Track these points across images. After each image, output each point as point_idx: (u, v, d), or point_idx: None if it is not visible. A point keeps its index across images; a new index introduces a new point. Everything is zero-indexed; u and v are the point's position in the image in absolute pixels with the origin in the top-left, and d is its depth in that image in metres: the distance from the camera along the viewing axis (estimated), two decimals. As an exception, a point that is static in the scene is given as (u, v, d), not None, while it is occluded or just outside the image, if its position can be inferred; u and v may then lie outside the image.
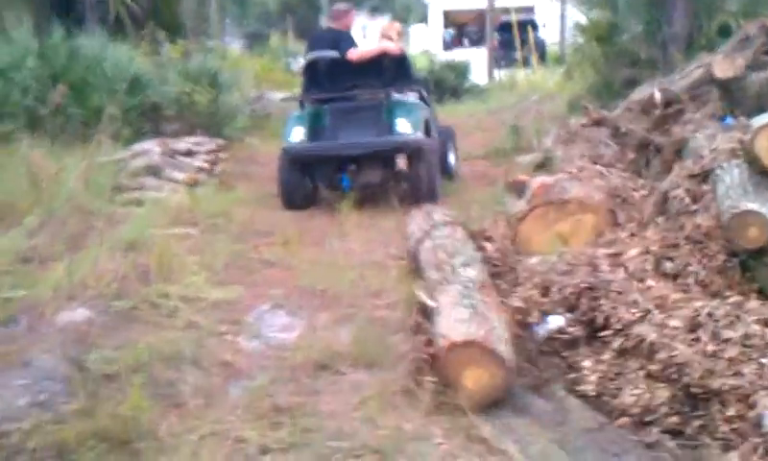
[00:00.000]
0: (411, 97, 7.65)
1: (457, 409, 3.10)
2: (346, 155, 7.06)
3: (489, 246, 4.53)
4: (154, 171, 7.73)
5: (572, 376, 3.46)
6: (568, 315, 3.70)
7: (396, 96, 7.39)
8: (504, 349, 3.25)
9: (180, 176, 7.69)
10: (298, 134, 7.20)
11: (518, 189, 5.37)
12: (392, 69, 7.39)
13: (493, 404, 3.15)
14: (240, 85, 14.15)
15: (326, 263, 5.24)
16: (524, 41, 25.54)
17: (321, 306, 4.52)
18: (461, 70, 18.88)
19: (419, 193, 6.88)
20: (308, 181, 7.40)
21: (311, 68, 7.53)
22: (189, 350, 3.72)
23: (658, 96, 7.05)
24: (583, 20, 12.48)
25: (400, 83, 7.46)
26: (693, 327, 3.40)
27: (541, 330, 3.69)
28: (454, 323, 3.39)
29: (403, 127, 7.03)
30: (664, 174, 5.18)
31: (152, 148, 8.07)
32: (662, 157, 5.53)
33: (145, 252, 5.06)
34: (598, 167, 5.56)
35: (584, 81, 14.54)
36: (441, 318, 3.54)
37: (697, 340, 3.33)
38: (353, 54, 7.25)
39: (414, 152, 7.01)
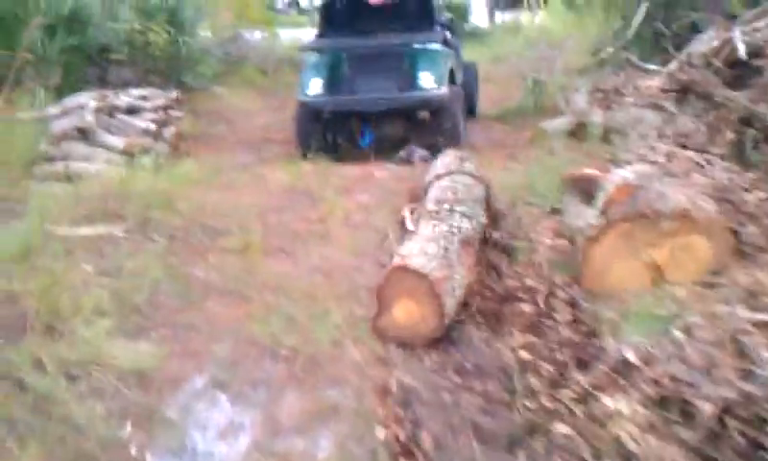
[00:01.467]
0: (434, 43, 7.02)
1: None
2: (365, 111, 6.61)
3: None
4: (85, 134, 5.93)
5: None
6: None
7: (418, 43, 6.88)
8: (449, 303, 3.08)
9: (117, 142, 5.91)
10: (315, 87, 6.65)
11: (582, 187, 3.65)
12: (415, 11, 6.98)
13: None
14: (213, 23, 12.28)
15: (299, 290, 3.55)
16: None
17: (287, 382, 2.83)
18: (460, 12, 16.94)
19: (442, 144, 6.07)
20: (327, 132, 6.88)
21: (328, 8, 7.12)
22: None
23: (741, 47, 5.32)
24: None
25: (424, 26, 6.97)
26: None
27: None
28: (419, 251, 3.23)
29: (427, 81, 6.53)
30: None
31: (86, 103, 6.24)
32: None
33: (29, 272, 3.36)
34: (690, 154, 3.86)
35: (604, 25, 12.79)
36: (410, 243, 3.40)
37: None
38: None
39: (438, 107, 6.53)
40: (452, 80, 6.81)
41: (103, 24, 8.24)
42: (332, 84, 6.61)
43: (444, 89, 6.53)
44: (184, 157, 6.32)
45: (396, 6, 6.94)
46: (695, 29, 9.25)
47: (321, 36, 7.17)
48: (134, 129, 6.22)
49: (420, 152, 6.30)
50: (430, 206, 3.84)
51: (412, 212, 4.18)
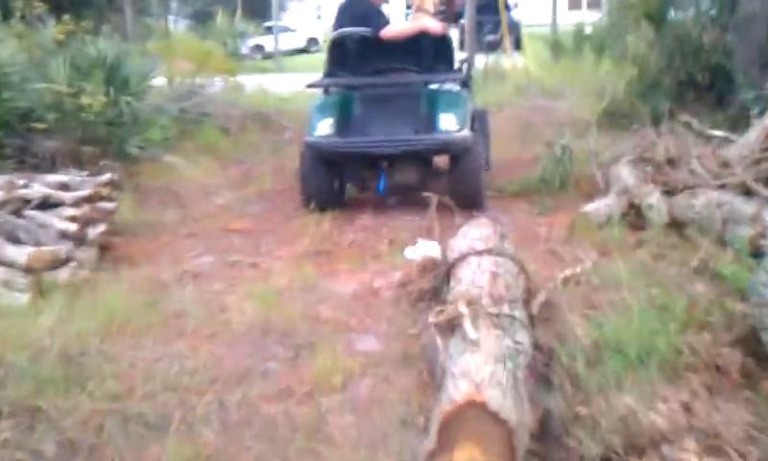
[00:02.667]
0: (453, 84, 6.37)
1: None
2: (380, 153, 5.90)
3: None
4: (-23, 243, 4.24)
5: None
6: None
7: (436, 83, 6.31)
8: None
9: (19, 255, 4.22)
10: (324, 127, 5.91)
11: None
12: (431, 51, 6.25)
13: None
14: (169, 73, 10.68)
15: None
16: (497, 23, 22.29)
17: None
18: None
19: (462, 198, 5.56)
20: (336, 179, 6.15)
21: (337, 47, 6.30)
22: None
23: None
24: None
25: (441, 67, 6.28)
26: None
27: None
28: (489, 378, 2.46)
29: (448, 123, 5.79)
30: None
31: (-15, 196, 4.57)
32: None
33: None
34: None
35: (617, 76, 11.43)
36: (474, 358, 2.61)
37: None
38: (388, 32, 6.00)
39: (460, 152, 5.76)
40: (473, 127, 6.02)
41: (24, 85, 6.57)
42: (343, 125, 5.93)
43: (467, 133, 5.76)
44: (118, 266, 4.64)
45: (411, 43, 6.14)
46: (726, 77, 7.90)
47: (329, 75, 6.37)
48: (49, 232, 4.53)
49: None
50: (487, 304, 3.07)
51: (468, 304, 2.99)
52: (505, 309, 3.08)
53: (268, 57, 27.12)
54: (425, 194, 5.26)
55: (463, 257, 3.70)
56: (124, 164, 6.74)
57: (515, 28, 22.77)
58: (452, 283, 3.56)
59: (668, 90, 8.15)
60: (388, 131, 5.79)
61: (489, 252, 3.69)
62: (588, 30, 17.09)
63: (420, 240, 5.10)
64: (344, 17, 6.23)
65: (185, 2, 39.74)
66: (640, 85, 8.41)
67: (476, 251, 3.70)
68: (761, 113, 7.39)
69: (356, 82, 6.26)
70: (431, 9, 6.36)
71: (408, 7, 21.12)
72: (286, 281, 4.33)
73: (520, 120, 9.76)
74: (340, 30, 6.18)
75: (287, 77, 19.63)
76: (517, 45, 22.24)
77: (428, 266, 4.39)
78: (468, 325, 2.84)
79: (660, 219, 4.77)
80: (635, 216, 4.97)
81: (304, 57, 29.98)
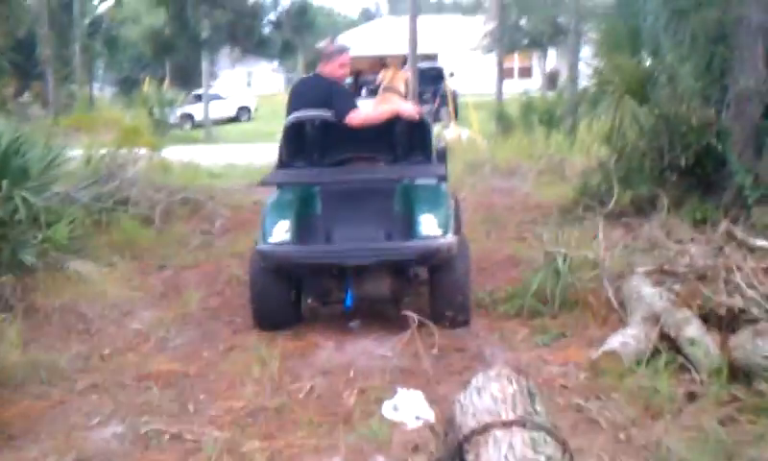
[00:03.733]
0: (433, 179, 5.32)
1: None
2: (347, 265, 4.81)
3: None
4: None
5: None
6: None
7: (414, 178, 5.29)
8: None
9: None
10: (280, 232, 4.85)
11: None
12: (406, 138, 5.43)
13: None
14: (86, 154, 9.27)
15: None
16: (435, 93, 21.70)
17: None
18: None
19: (444, 313, 4.74)
20: (292, 293, 5.10)
21: (294, 133, 5.33)
22: None
23: None
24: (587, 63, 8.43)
25: (417, 156, 5.43)
26: None
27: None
28: None
29: (429, 227, 4.76)
30: None
31: None
32: None
33: None
34: None
35: (575, 152, 10.61)
36: None
37: None
38: (355, 117, 5.02)
39: (443, 262, 4.77)
40: (457, 226, 5.12)
41: None
42: (302, 229, 4.89)
43: (451, 238, 4.75)
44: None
45: (382, 129, 5.23)
46: (716, 160, 7.04)
47: (284, 165, 5.41)
48: None
49: None
50: None
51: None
52: None
53: (197, 126, 25.83)
54: (404, 312, 4.21)
55: (484, 429, 2.71)
56: (17, 277, 5.35)
57: (453, 97, 22.28)
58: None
59: (652, 174, 7.26)
60: (356, 236, 4.84)
61: (520, 423, 2.71)
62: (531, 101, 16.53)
63: (399, 389, 3.88)
64: (300, 99, 5.26)
65: (112, 68, 38.13)
66: (617, 168, 7.48)
67: (503, 422, 2.71)
68: (760, 200, 6.58)
69: (317, 177, 5.31)
70: (402, 88, 5.30)
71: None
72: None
73: (481, 205, 8.73)
74: (297, 113, 5.18)
75: (218, 148, 18.37)
76: (456, 114, 21.70)
77: (424, 441, 3.21)
78: None
79: (710, 361, 3.67)
80: (669, 350, 3.86)
81: (236, 126, 28.82)
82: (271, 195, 5.35)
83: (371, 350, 4.48)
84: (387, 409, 3.72)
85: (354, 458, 3.19)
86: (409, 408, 3.73)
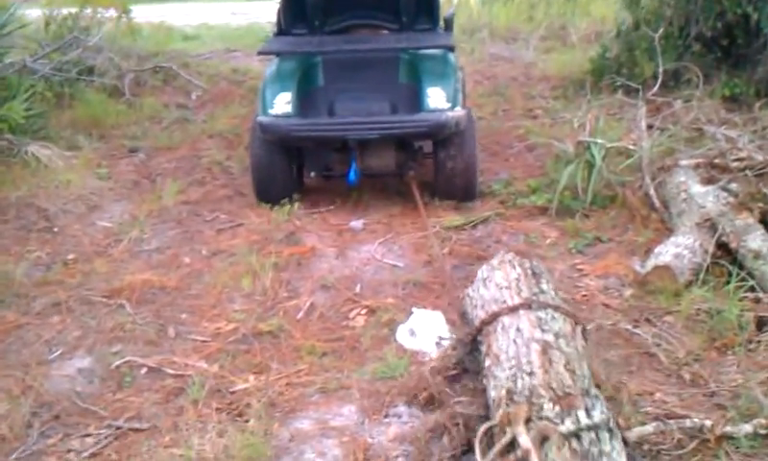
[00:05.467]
0: (441, 48, 4.92)
1: None
2: (350, 138, 4.46)
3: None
4: None
5: None
6: None
7: (421, 47, 4.87)
8: None
9: None
10: (281, 104, 4.48)
11: None
12: (412, 4, 5.01)
13: None
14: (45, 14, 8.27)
15: None
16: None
17: None
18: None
19: (451, 190, 4.56)
20: (294, 166, 4.80)
21: None
22: None
23: None
24: None
25: (424, 24, 5.09)
26: None
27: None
28: None
29: (437, 100, 4.39)
30: None
31: None
32: None
33: None
34: None
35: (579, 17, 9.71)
36: None
37: None
38: None
39: (450, 136, 4.41)
40: (465, 98, 4.79)
41: None
42: (304, 101, 4.60)
43: (459, 112, 4.44)
44: None
45: None
46: (751, 33, 6.26)
47: (283, 34, 5.19)
48: None
49: None
50: (551, 411, 2.07)
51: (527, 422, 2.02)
52: (583, 418, 2.03)
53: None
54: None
55: (492, 318, 2.62)
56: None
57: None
58: (486, 365, 2.47)
59: (676, 45, 6.50)
60: (361, 109, 4.56)
61: (526, 306, 2.60)
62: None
63: (414, 309, 3.31)
64: None
65: None
66: (638, 37, 6.69)
67: (509, 307, 2.63)
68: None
69: (319, 46, 4.94)
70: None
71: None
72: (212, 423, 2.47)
73: (482, 75, 7.92)
74: None
75: (191, 7, 16.99)
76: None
77: (445, 363, 2.75)
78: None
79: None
80: (733, 264, 3.29)
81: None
82: (270, 64, 4.93)
83: (378, 258, 3.87)
84: (402, 334, 3.16)
85: (371, 406, 2.63)
86: (427, 332, 3.17)
